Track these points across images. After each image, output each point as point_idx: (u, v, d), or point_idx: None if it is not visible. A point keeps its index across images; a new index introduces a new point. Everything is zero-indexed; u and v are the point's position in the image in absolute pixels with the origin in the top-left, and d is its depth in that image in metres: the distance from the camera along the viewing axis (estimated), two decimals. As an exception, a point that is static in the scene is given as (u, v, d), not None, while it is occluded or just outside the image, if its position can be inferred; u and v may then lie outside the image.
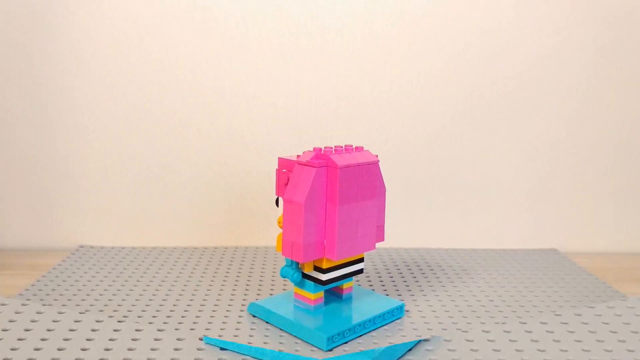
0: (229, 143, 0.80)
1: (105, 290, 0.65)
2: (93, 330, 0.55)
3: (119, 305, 0.61)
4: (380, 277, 0.70)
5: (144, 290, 0.65)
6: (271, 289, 0.66)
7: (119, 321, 0.57)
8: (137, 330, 0.55)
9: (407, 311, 0.60)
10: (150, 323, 0.57)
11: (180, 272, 0.71)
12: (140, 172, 0.80)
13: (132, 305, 0.61)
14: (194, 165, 0.80)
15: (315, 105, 0.79)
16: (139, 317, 0.58)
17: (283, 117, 0.79)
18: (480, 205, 0.83)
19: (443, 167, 0.81)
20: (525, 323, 0.58)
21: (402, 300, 0.63)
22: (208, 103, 0.79)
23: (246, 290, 0.65)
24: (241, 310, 0.60)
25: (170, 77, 0.78)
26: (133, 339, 0.53)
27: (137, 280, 0.68)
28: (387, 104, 0.79)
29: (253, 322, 0.57)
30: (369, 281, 0.68)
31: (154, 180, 0.80)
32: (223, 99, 0.79)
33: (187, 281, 0.68)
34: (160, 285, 0.66)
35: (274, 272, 0.71)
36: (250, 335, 0.54)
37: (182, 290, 0.65)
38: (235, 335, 0.54)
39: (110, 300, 0.62)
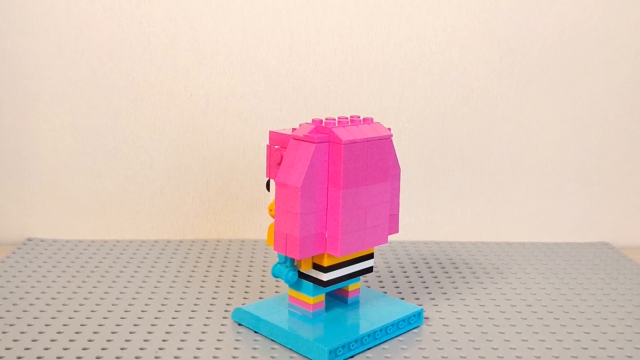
0: (209, 113, 0.79)
1: (58, 293, 0.65)
2: (45, 349, 0.55)
3: (75, 312, 0.61)
4: (393, 276, 0.70)
5: (105, 293, 0.65)
6: (261, 292, 0.66)
7: (76, 332, 0.57)
8: (90, 341, 0.55)
9: (427, 318, 0.60)
10: (113, 333, 0.57)
11: (149, 271, 0.71)
12: (100, 150, 0.80)
13: (92, 312, 0.61)
14: (165, 141, 0.80)
15: (315, 67, 0.79)
16: (99, 325, 0.58)
17: (275, 81, 0.79)
18: (516, 190, 0.83)
19: (471, 142, 0.81)
20: (571, 333, 0.58)
21: (421, 305, 0.63)
22: (183, 64, 0.78)
23: (230, 293, 0.66)
24: (224, 318, 0.60)
25: (138, 34, 0.77)
26: (96, 357, 0.53)
27: (97, 281, 0.68)
28: (403, 64, 0.79)
29: (239, 332, 0.57)
30: (380, 282, 0.69)
31: (117, 160, 0.80)
32: (202, 58, 0.78)
33: (159, 282, 0.68)
34: (125, 287, 0.66)
35: (264, 270, 0.72)
36: (235, 348, 0.54)
37: (152, 293, 0.65)
38: (217, 348, 0.54)
39: (64, 305, 0.62)
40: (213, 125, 0.80)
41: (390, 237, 0.82)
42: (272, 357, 0.53)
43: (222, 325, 0.58)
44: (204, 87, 0.79)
